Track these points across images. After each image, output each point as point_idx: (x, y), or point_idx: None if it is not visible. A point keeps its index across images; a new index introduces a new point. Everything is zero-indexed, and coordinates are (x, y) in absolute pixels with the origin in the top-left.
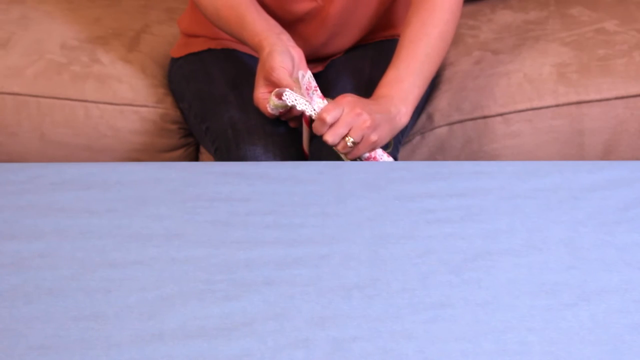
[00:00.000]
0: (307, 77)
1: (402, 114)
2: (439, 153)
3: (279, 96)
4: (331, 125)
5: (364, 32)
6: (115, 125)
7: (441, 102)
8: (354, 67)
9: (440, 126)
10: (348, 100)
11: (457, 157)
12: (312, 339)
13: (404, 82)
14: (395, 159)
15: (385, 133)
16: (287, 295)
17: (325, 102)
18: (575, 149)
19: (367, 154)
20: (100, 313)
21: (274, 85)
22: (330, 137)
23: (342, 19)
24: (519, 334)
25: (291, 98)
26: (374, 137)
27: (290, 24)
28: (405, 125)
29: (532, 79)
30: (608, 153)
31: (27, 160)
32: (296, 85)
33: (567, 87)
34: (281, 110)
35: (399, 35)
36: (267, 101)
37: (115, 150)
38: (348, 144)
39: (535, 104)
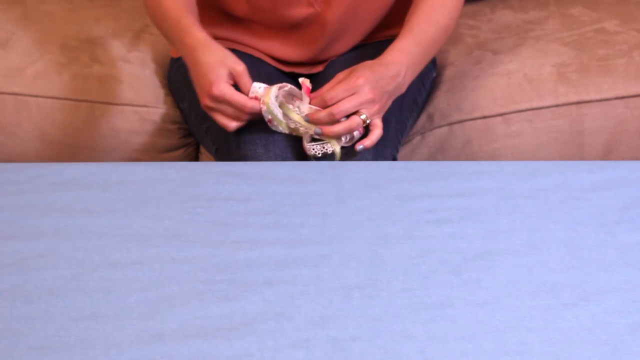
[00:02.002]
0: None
1: (407, 83)
2: (439, 153)
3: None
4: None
5: (363, 36)
6: (115, 125)
7: (441, 102)
8: None
9: (440, 126)
10: (362, 88)
11: (457, 157)
12: (312, 339)
13: (415, 55)
14: (395, 159)
15: (388, 104)
16: (287, 295)
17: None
18: (575, 149)
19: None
20: (100, 313)
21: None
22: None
23: (341, 25)
24: (519, 334)
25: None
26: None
27: (289, 29)
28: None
29: (532, 79)
30: (608, 153)
31: (27, 160)
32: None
33: (567, 87)
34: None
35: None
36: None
37: (115, 150)
38: (362, 117)
39: (535, 104)
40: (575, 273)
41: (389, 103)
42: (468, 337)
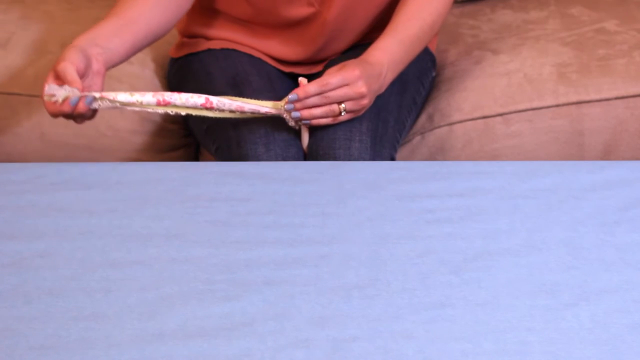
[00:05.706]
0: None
1: (387, 82)
2: (439, 153)
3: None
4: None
5: (361, 35)
6: (115, 125)
7: (441, 102)
8: None
9: (440, 126)
10: (357, 82)
11: (457, 157)
12: (312, 339)
13: (396, 54)
14: (393, 159)
15: (371, 102)
16: (287, 295)
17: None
18: (575, 149)
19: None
20: (100, 313)
21: (59, 77)
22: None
23: (340, 24)
24: (519, 334)
25: (58, 91)
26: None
27: (288, 28)
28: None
29: (532, 79)
30: (608, 153)
31: (27, 160)
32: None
33: (567, 87)
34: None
35: None
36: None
37: (115, 150)
38: (340, 108)
39: (535, 104)
40: (575, 273)
41: (372, 102)
42: (468, 337)
